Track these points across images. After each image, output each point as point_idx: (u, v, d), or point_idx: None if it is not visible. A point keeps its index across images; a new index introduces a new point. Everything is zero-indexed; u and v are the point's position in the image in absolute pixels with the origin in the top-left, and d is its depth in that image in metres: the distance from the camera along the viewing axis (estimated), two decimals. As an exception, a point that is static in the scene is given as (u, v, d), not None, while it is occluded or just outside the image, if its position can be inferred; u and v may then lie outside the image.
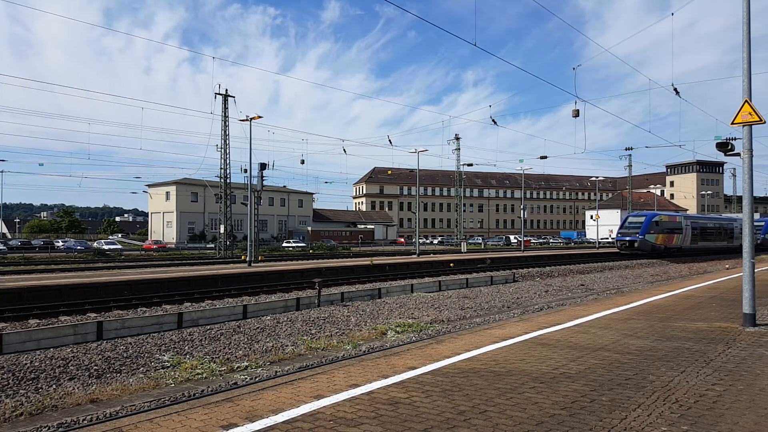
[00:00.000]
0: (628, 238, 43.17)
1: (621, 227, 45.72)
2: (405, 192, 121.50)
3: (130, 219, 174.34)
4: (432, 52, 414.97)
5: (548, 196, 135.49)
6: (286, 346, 10.46)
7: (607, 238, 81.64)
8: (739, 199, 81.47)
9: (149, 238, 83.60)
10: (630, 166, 69.83)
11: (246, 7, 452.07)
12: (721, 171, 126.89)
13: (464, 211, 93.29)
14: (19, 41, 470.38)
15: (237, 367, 8.60)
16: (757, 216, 69.12)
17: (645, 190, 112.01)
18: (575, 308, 12.23)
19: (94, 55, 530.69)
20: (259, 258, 36.72)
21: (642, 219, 43.81)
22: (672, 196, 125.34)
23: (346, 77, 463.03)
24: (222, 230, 49.39)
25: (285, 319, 13.79)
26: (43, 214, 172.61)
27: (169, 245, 71.31)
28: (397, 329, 11.63)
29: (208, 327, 12.67)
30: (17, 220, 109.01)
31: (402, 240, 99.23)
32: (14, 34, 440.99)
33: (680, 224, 45.97)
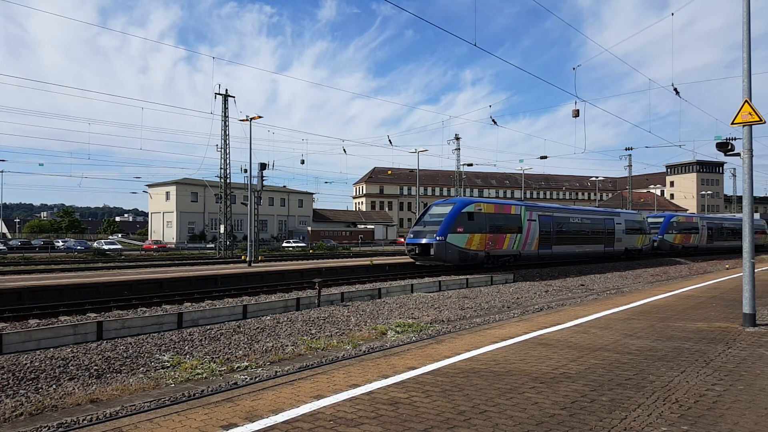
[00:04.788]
0: (423, 241, 25.45)
1: (416, 223, 27.62)
2: (405, 192, 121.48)
3: (130, 219, 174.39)
4: (429, 51, 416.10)
5: (548, 196, 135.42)
6: (286, 346, 10.46)
7: None
8: (739, 199, 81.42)
9: (149, 238, 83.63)
10: (630, 166, 69.66)
11: (242, 6, 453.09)
12: (721, 171, 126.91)
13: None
14: (15, 40, 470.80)
15: (237, 367, 8.60)
16: (757, 216, 68.90)
17: (645, 190, 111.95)
18: (575, 308, 12.23)
19: (90, 54, 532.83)
20: (259, 258, 36.70)
21: (447, 209, 26.23)
22: (672, 196, 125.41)
23: (344, 76, 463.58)
24: (222, 230, 49.39)
25: (285, 319, 13.78)
26: (43, 214, 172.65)
27: (169, 245, 71.34)
28: (397, 329, 11.62)
29: (208, 327, 12.65)
30: (17, 220, 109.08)
31: (402, 240, 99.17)
32: (9, 33, 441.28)
33: (518, 219, 28.43)
